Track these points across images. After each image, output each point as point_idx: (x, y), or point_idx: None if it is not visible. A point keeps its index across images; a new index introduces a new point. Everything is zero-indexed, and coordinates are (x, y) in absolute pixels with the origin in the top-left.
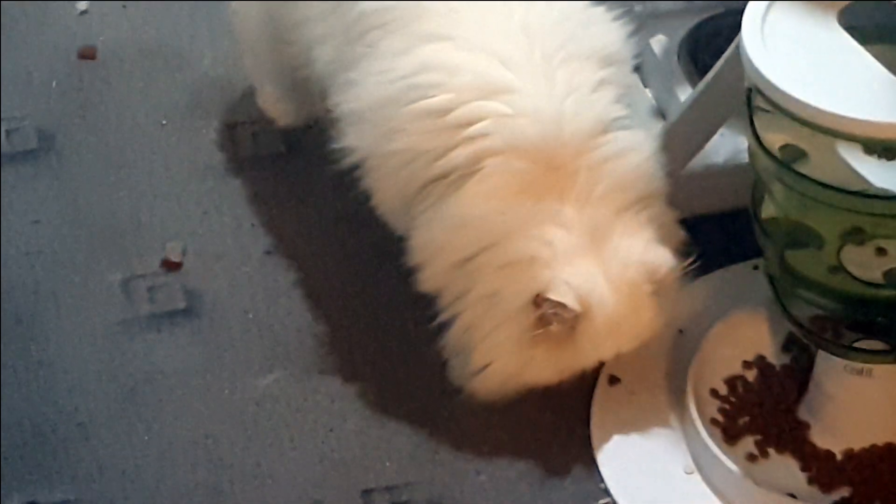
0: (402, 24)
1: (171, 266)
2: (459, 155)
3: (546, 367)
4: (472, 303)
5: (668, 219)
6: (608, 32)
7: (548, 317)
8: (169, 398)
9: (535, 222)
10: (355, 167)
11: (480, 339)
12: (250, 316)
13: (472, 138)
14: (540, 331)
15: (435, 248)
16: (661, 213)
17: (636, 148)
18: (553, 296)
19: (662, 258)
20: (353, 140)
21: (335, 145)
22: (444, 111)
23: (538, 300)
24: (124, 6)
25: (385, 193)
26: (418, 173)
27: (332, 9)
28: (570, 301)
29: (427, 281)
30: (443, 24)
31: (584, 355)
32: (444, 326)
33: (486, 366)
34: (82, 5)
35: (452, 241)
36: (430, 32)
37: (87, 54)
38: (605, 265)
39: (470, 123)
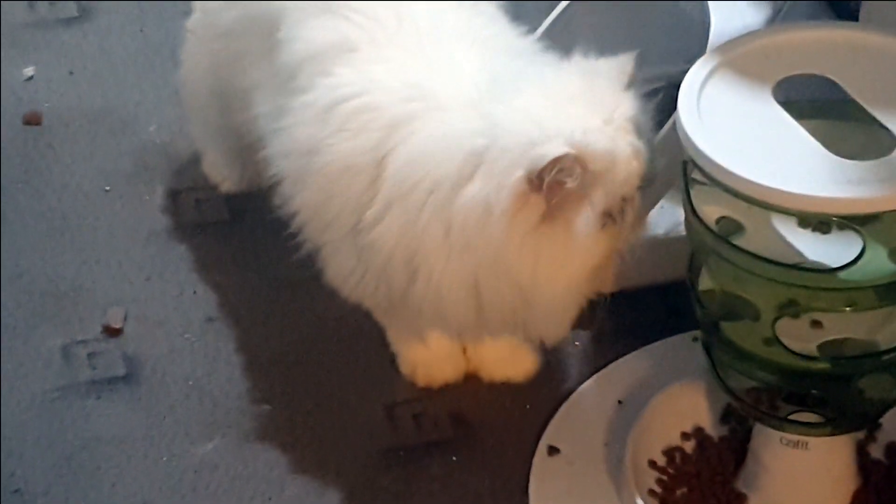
0: (327, 66)
1: (111, 332)
2: (388, 138)
3: (586, 237)
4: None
5: None
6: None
7: (555, 183)
8: (107, 465)
9: (451, 134)
10: (305, 239)
11: (511, 257)
12: (190, 383)
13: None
14: (556, 199)
15: (412, 236)
16: None
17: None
18: (541, 162)
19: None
20: (298, 200)
21: (281, 212)
22: (369, 108)
23: (531, 180)
24: (71, 72)
25: (334, 244)
26: (360, 181)
27: (273, 68)
28: (559, 149)
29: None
30: (361, 57)
31: (612, 189)
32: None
33: (533, 275)
34: (29, 71)
35: (414, 209)
36: (348, 62)
37: (33, 120)
38: (559, 103)
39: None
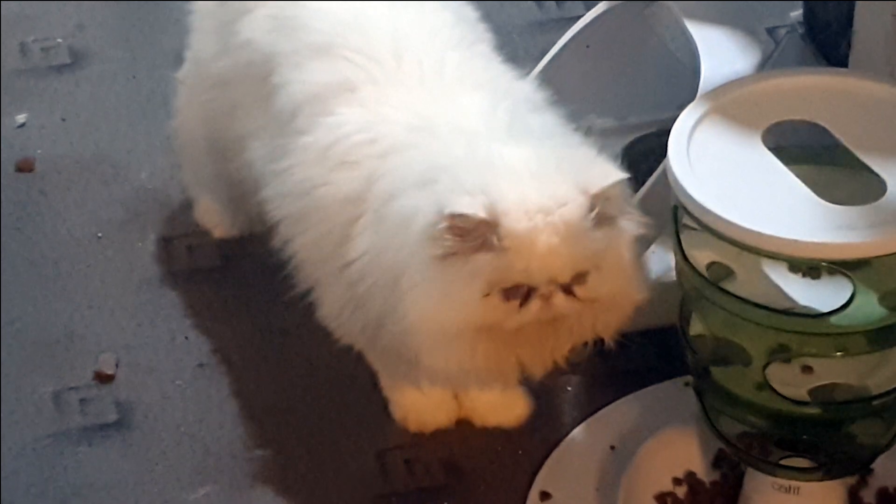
0: (328, 106)
1: (103, 378)
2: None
3: (464, 294)
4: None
5: None
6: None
7: (443, 231)
8: None
9: (432, 155)
10: (300, 281)
11: (409, 273)
12: (182, 429)
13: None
14: (439, 252)
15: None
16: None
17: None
18: (451, 208)
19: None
20: (298, 241)
21: (278, 255)
22: (371, 141)
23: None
24: (63, 119)
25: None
26: (351, 211)
27: (269, 113)
28: (469, 208)
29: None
30: (362, 97)
31: (504, 267)
32: None
33: (415, 297)
34: (21, 118)
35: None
36: (350, 102)
37: (25, 167)
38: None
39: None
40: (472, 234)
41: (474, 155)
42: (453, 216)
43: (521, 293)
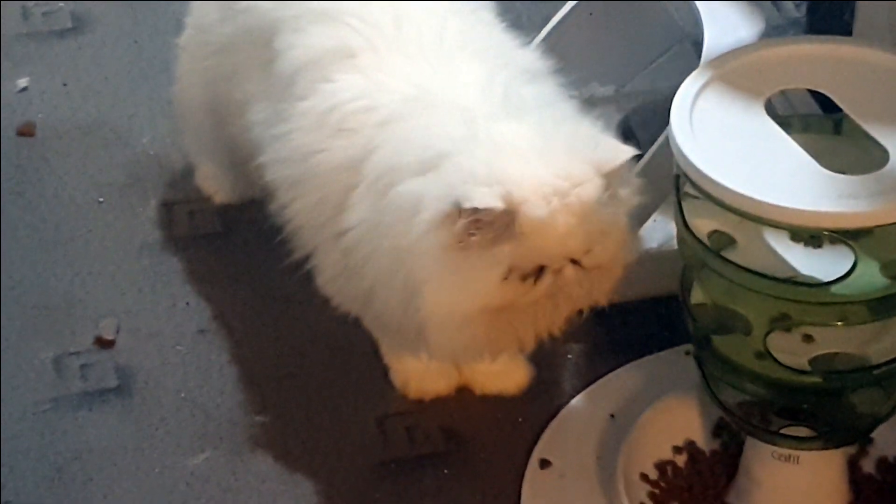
0: (327, 72)
1: (104, 343)
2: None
3: (482, 281)
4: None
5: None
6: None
7: (466, 226)
8: (98, 477)
9: (429, 131)
10: (298, 247)
11: (416, 262)
12: (182, 395)
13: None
14: (458, 244)
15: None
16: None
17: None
18: (465, 203)
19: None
20: (294, 206)
21: (275, 220)
22: (368, 109)
23: (459, 213)
24: (64, 84)
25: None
26: (347, 178)
27: (269, 78)
28: (487, 201)
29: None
30: (361, 63)
31: (524, 252)
32: None
33: (426, 288)
34: (22, 82)
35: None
36: (349, 68)
37: (26, 131)
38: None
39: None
40: (493, 226)
41: (474, 137)
42: (473, 210)
43: (535, 271)
